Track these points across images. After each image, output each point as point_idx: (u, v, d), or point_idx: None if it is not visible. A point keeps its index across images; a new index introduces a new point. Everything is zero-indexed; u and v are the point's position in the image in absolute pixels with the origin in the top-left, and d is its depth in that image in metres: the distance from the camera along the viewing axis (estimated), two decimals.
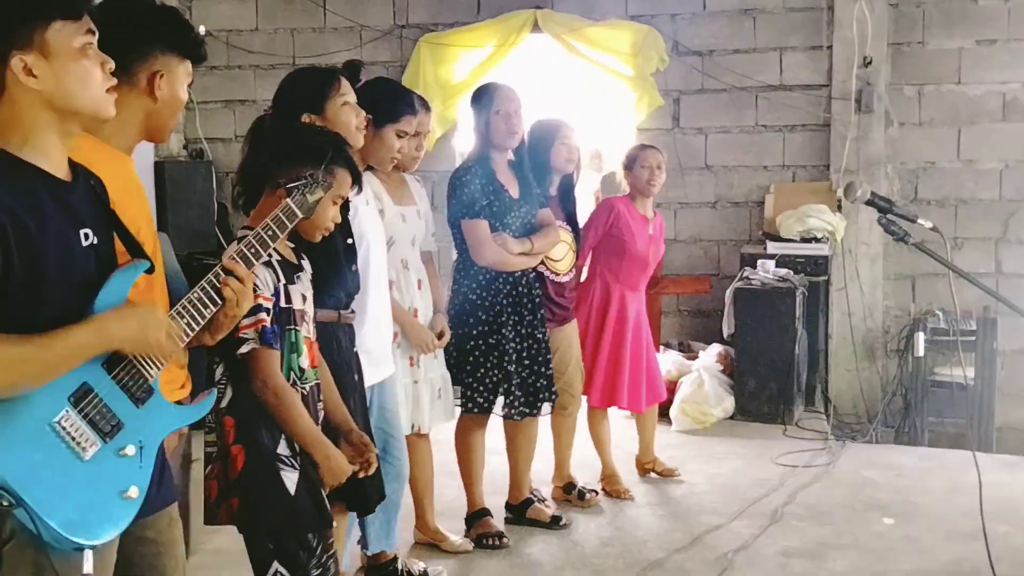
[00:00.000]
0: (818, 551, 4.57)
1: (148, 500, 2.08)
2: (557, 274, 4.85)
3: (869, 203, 3.30)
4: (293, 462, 2.73)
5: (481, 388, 4.43)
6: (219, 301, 2.17)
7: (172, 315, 2.10)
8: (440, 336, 4.17)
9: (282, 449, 2.72)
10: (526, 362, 4.50)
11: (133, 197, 2.44)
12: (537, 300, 4.57)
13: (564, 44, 7.53)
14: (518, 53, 7.63)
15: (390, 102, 3.73)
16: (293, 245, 2.85)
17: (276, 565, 2.73)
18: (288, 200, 2.37)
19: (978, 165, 7.31)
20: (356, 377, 3.32)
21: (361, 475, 2.91)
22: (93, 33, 1.99)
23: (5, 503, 1.83)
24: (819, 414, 6.97)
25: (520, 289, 4.48)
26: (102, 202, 2.12)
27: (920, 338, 6.71)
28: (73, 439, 1.91)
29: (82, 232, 2.00)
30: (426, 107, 4.12)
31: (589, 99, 7.77)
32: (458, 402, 4.49)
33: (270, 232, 2.32)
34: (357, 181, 2.93)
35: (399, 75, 7.60)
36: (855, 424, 7.14)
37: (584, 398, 5.21)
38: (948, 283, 6.93)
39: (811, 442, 6.27)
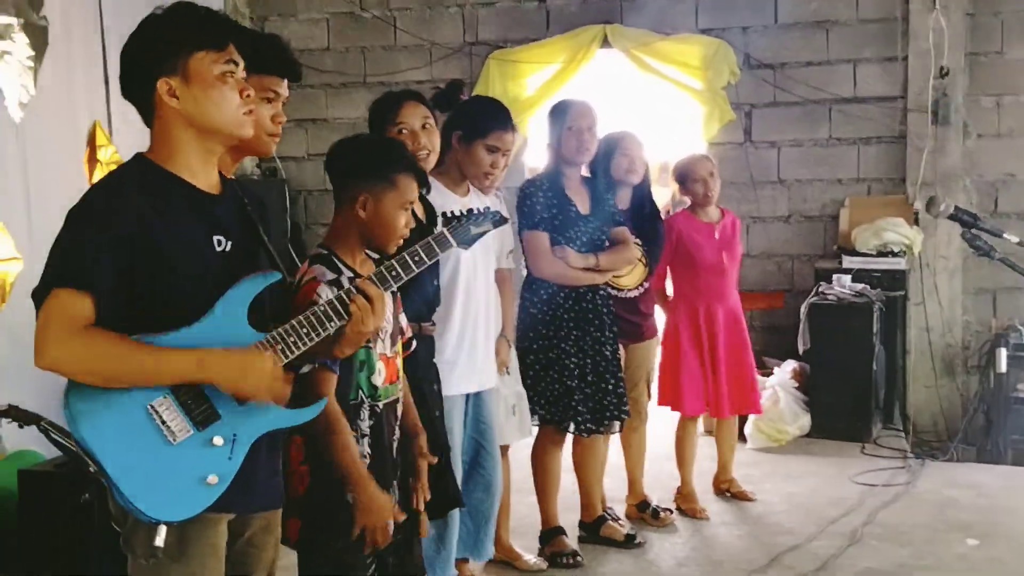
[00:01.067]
0: (899, 573, 4.48)
1: (252, 498, 2.21)
2: (620, 289, 4.82)
3: (952, 217, 3.24)
4: None
5: (543, 401, 4.41)
6: (344, 316, 2.29)
7: (269, 339, 2.18)
8: (497, 356, 4.13)
9: None
10: (589, 378, 4.46)
11: None
12: (606, 317, 4.53)
13: (634, 59, 7.50)
14: (588, 69, 7.62)
15: (477, 118, 3.78)
16: (376, 256, 2.85)
17: None
18: (444, 229, 2.45)
19: None
20: (436, 388, 3.34)
21: (417, 504, 2.88)
22: (236, 63, 2.24)
23: (91, 468, 2.04)
24: (898, 432, 6.84)
25: (584, 304, 4.45)
26: (248, 216, 2.31)
27: (1002, 354, 6.57)
28: (165, 423, 2.08)
29: (215, 238, 2.21)
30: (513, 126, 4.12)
31: (660, 114, 7.73)
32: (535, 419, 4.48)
33: (416, 258, 2.42)
34: (423, 184, 2.92)
35: (469, 92, 7.62)
36: (935, 442, 6.98)
37: (665, 411, 5.20)
38: None
39: (890, 460, 6.15)
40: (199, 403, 2.11)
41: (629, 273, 4.84)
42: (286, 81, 2.65)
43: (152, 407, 2.07)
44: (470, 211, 2.48)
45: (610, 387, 4.51)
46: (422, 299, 3.29)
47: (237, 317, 2.17)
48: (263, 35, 2.81)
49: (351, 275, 2.75)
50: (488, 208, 2.54)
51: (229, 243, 2.22)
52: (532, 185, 4.46)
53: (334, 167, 2.86)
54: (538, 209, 4.38)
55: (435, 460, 2.95)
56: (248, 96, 2.25)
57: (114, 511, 2.17)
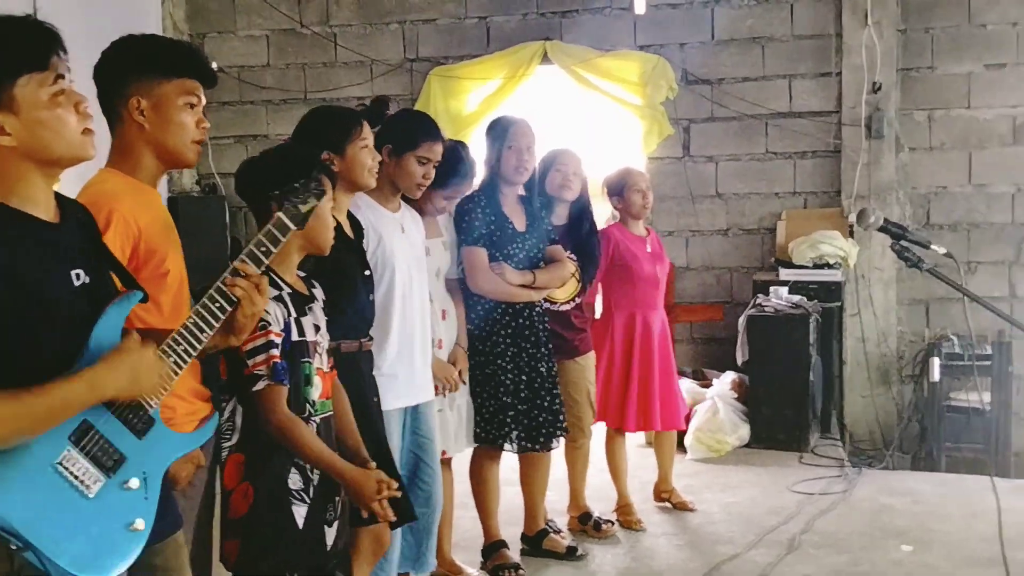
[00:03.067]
0: None
1: (156, 527, 2.08)
2: (555, 302, 4.82)
3: (882, 229, 3.30)
4: (304, 496, 2.72)
5: (479, 418, 4.40)
6: (220, 315, 2.16)
7: (163, 349, 2.08)
8: (455, 366, 4.18)
9: (293, 484, 2.71)
10: (524, 394, 4.43)
11: (162, 228, 2.49)
12: (542, 334, 4.54)
13: (574, 75, 7.58)
14: (528, 85, 7.68)
15: (409, 130, 3.78)
16: (303, 274, 2.86)
17: None
18: (279, 213, 2.29)
19: (990, 189, 7.31)
20: (376, 400, 3.35)
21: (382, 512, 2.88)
22: (63, 77, 1.98)
23: (13, 546, 1.84)
24: (835, 441, 6.94)
25: (521, 320, 4.45)
26: (92, 238, 2.13)
27: (935, 363, 6.70)
28: (76, 478, 1.93)
29: (73, 273, 2.01)
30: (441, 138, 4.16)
31: (599, 130, 7.79)
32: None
33: (263, 248, 2.26)
34: (334, 182, 2.89)
35: (411, 108, 7.64)
36: (871, 450, 7.11)
37: (600, 425, 5.22)
38: (962, 307, 6.91)
39: (827, 469, 6.24)
40: (102, 448, 1.97)
41: (561, 286, 4.86)
42: (202, 87, 2.57)
43: (59, 464, 1.91)
44: (292, 187, 2.36)
45: (545, 403, 4.49)
46: (358, 314, 3.30)
47: (112, 347, 2.02)
48: (177, 41, 2.69)
49: (290, 291, 2.75)
50: (301, 183, 2.45)
51: (87, 276, 2.04)
52: (470, 201, 4.46)
53: (257, 185, 2.79)
54: (476, 225, 4.39)
55: (391, 481, 2.93)
56: (85, 109, 2.02)
57: None
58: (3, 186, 1.96)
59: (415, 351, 3.73)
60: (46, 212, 2.01)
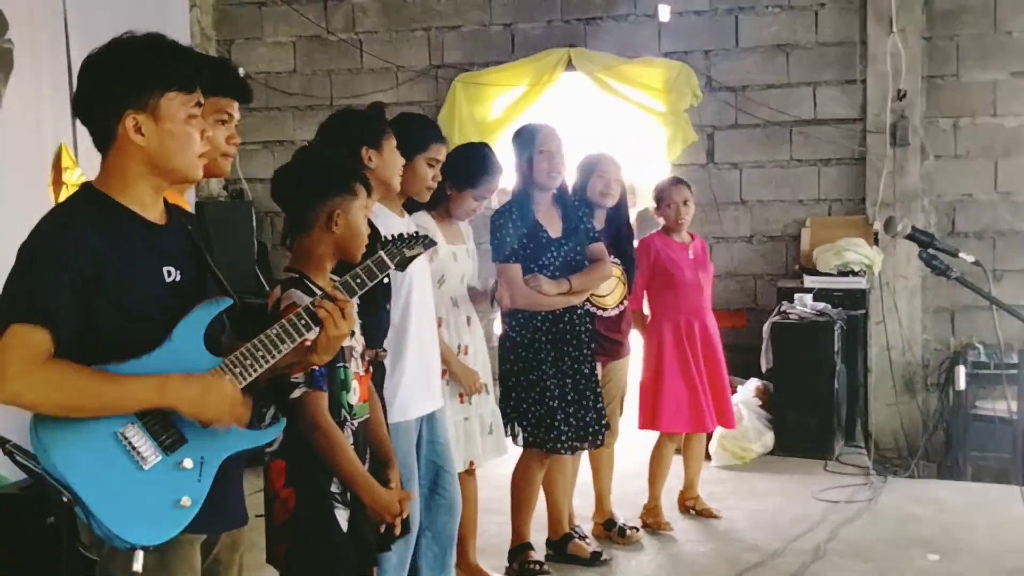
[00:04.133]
0: None
1: (217, 517, 2.21)
2: (604, 309, 4.89)
3: (910, 237, 3.30)
4: (345, 499, 2.76)
5: (527, 424, 4.45)
6: (302, 332, 2.29)
7: (235, 358, 2.19)
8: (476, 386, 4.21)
9: (334, 488, 2.76)
10: (570, 396, 4.49)
11: None
12: (584, 336, 4.58)
13: (598, 82, 7.58)
14: (553, 91, 7.69)
15: (417, 133, 3.80)
16: (338, 279, 2.88)
17: None
18: (382, 252, 2.48)
19: (1016, 197, 7.27)
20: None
21: (395, 530, 2.91)
22: (200, 105, 2.25)
23: (64, 499, 2.03)
24: (860, 449, 6.92)
25: (561, 326, 4.49)
26: (194, 243, 2.31)
27: (961, 371, 6.66)
28: (135, 449, 2.10)
29: (165, 269, 2.21)
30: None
31: (623, 136, 7.80)
32: (510, 438, 4.52)
33: (358, 280, 2.45)
34: (368, 188, 2.94)
35: (435, 115, 7.67)
36: (896, 459, 7.07)
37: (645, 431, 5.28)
38: (988, 316, 6.87)
39: (852, 477, 6.23)
40: (166, 428, 2.13)
41: (611, 293, 4.90)
42: (237, 103, 2.69)
43: (121, 434, 2.08)
44: (401, 235, 2.51)
45: (591, 403, 4.56)
46: (375, 325, 3.30)
47: (194, 344, 2.18)
48: (214, 59, 2.85)
49: (323, 296, 2.78)
50: (417, 232, 2.59)
51: (178, 273, 2.23)
52: (501, 216, 4.48)
53: (293, 192, 2.86)
54: (508, 241, 4.41)
55: (411, 497, 2.98)
56: (207, 138, 2.27)
57: (86, 538, 2.18)
58: (118, 184, 2.21)
59: (430, 359, 3.74)
60: (152, 214, 2.24)
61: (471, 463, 4.16)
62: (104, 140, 2.21)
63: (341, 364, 2.76)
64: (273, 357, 2.24)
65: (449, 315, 4.08)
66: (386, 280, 3.36)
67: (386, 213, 3.62)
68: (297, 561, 2.73)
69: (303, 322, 2.29)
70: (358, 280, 2.44)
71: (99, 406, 2.06)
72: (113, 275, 2.10)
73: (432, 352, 3.78)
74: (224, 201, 8.14)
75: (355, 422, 2.81)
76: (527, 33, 7.84)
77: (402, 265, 2.52)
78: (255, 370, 2.21)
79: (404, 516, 2.89)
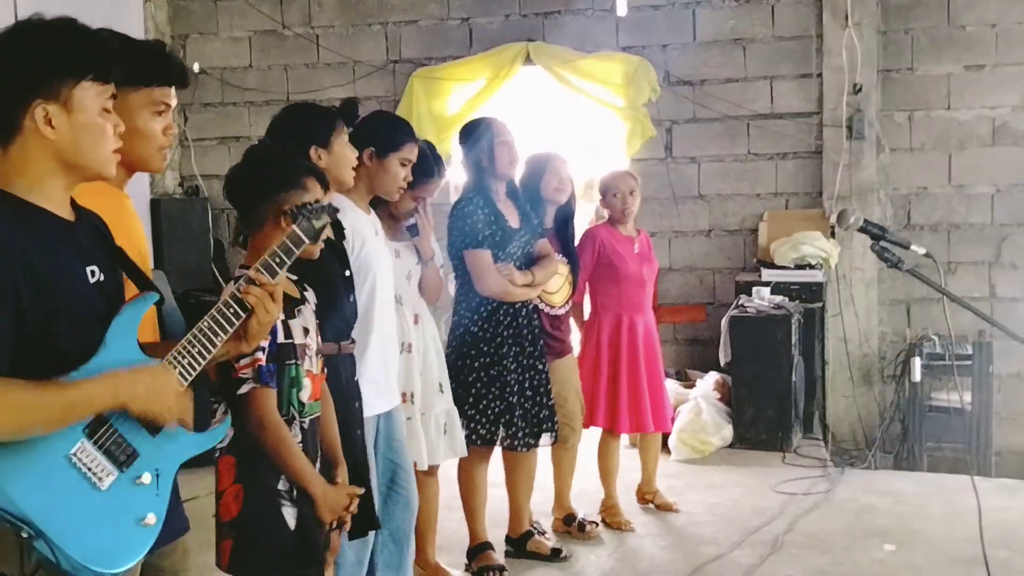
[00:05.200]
0: None
1: (164, 530, 2.09)
2: (552, 306, 4.86)
3: (862, 230, 3.32)
4: (292, 497, 2.73)
5: (483, 420, 4.43)
6: (234, 321, 2.20)
7: (173, 356, 2.10)
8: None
9: (282, 485, 2.73)
10: (528, 393, 4.50)
11: (130, 234, 2.46)
12: (537, 331, 4.59)
13: (556, 76, 7.58)
14: (511, 86, 7.68)
15: (391, 132, 3.77)
16: (295, 277, 2.85)
17: None
18: (294, 227, 2.35)
19: (970, 190, 7.35)
20: (358, 405, 3.34)
21: (345, 526, 2.89)
22: (114, 97, 2.07)
23: (25, 534, 1.86)
24: (817, 441, 6.97)
25: (520, 320, 4.49)
26: (106, 240, 2.17)
27: (916, 363, 6.73)
28: (89, 470, 1.95)
29: (88, 269, 2.06)
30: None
31: (582, 131, 7.81)
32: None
33: (277, 259, 2.31)
34: (326, 188, 2.91)
35: (392, 109, 7.63)
36: (853, 450, 7.14)
37: (590, 428, 5.24)
38: (943, 308, 6.92)
39: (810, 469, 6.27)
40: (117, 444, 2.00)
41: (559, 290, 4.88)
42: (174, 89, 2.50)
43: (73, 455, 1.93)
44: (305, 204, 2.41)
45: (544, 400, 4.56)
46: (339, 316, 3.28)
47: (129, 346, 2.07)
48: (144, 43, 2.58)
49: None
50: (318, 201, 2.50)
51: (101, 273, 2.09)
52: (469, 203, 4.45)
53: (243, 190, 2.82)
54: (480, 227, 4.39)
55: (360, 491, 2.95)
56: (120, 133, 2.10)
57: (15, 571, 1.97)
58: (25, 181, 2.01)
59: (390, 356, 3.72)
60: (63, 212, 2.07)
61: (414, 463, 4.11)
62: (6, 133, 2.00)
63: (292, 361, 2.73)
64: (210, 350, 2.15)
65: (394, 312, 4.04)
66: (348, 273, 3.34)
67: (353, 209, 3.60)
68: (243, 559, 2.69)
69: (231, 310, 2.20)
70: (277, 259, 2.31)
71: (56, 418, 1.90)
72: (41, 279, 1.94)
73: (392, 349, 3.76)
74: (179, 198, 8.06)
75: (305, 420, 2.79)
76: (485, 27, 7.82)
77: (315, 237, 2.40)
78: (197, 364, 2.13)
79: (352, 512, 2.87)
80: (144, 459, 2.04)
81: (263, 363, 2.64)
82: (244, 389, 2.62)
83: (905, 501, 5.69)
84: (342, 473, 2.93)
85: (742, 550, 4.91)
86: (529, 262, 4.56)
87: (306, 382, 2.78)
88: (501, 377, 4.42)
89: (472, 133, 4.57)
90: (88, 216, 2.15)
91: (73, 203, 2.11)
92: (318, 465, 2.84)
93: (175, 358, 2.10)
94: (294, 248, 2.34)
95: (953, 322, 6.47)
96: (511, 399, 4.42)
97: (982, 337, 6.80)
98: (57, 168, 2.03)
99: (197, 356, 2.13)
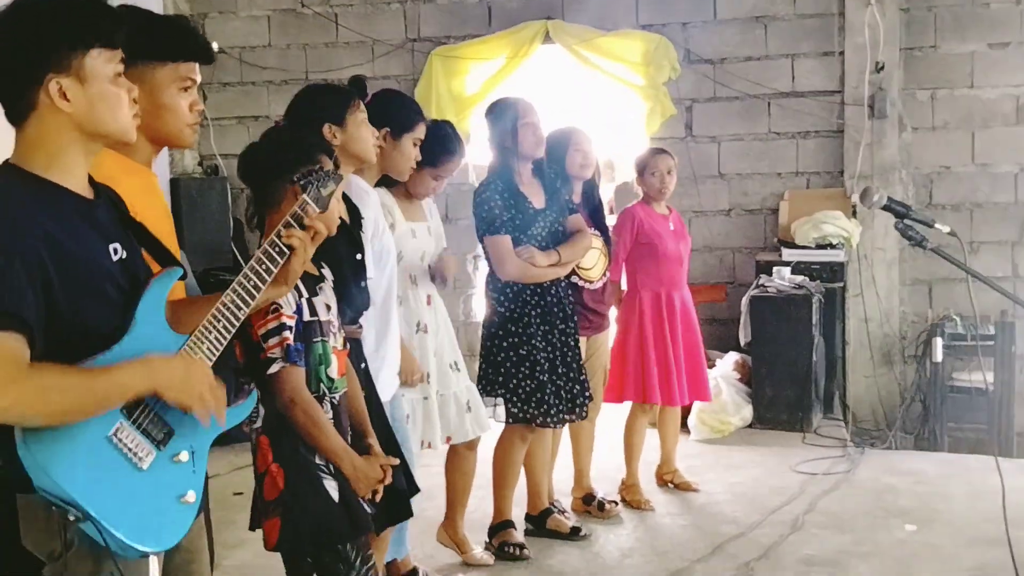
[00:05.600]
0: (839, 559, 4.55)
1: None
2: (590, 282, 4.90)
3: (886, 208, 3.29)
4: (331, 471, 2.76)
5: (515, 399, 4.44)
6: (255, 293, 2.21)
7: (198, 334, 2.11)
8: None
9: (319, 460, 2.75)
10: (560, 370, 4.50)
11: (157, 212, 2.46)
12: (569, 309, 4.59)
13: (576, 55, 7.54)
14: (530, 64, 7.65)
15: (404, 112, 3.78)
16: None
17: None
18: (304, 196, 2.35)
19: (993, 169, 7.29)
20: (371, 390, 3.35)
21: (378, 494, 2.89)
22: (124, 62, 2.06)
23: (72, 517, 1.88)
24: (838, 421, 6.94)
25: (549, 299, 4.49)
26: (125, 216, 2.17)
27: (938, 343, 6.70)
28: (130, 450, 1.98)
29: (111, 247, 2.06)
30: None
31: (601, 110, 7.77)
32: (491, 412, 4.49)
33: (310, 203, 2.34)
34: (336, 166, 2.89)
35: (411, 89, 7.62)
36: (874, 431, 7.11)
37: (622, 403, 5.30)
38: (965, 288, 6.85)
39: (830, 449, 6.25)
40: (154, 423, 2.02)
41: (595, 265, 4.89)
42: (198, 65, 2.51)
43: (113, 436, 1.95)
44: (310, 171, 2.40)
45: (576, 376, 4.57)
46: (345, 300, 3.23)
47: (159, 324, 2.08)
48: (168, 19, 2.60)
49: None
50: (321, 167, 2.50)
51: (124, 250, 2.09)
52: (488, 188, 4.45)
53: (257, 171, 2.84)
54: (497, 212, 4.39)
55: (395, 461, 2.95)
56: (134, 99, 2.09)
57: (34, 539, 1.95)
58: (44, 157, 2.00)
59: (399, 341, 3.75)
60: (82, 189, 2.06)
61: (428, 443, 4.12)
62: (21, 112, 2.00)
63: (320, 339, 2.75)
64: (234, 324, 2.15)
65: (408, 293, 4.04)
66: (360, 256, 3.33)
67: (365, 188, 3.60)
68: (291, 535, 2.71)
69: (251, 282, 2.20)
70: (276, 249, 2.29)
71: (93, 403, 1.91)
72: (67, 258, 1.94)
73: (396, 338, 3.77)
74: (198, 177, 8.06)
75: (336, 396, 2.81)
76: (504, 6, 7.78)
77: (324, 205, 2.40)
78: (223, 339, 2.13)
79: (388, 482, 2.87)
80: (180, 438, 2.06)
81: (291, 342, 2.65)
82: (273, 369, 2.64)
83: (926, 481, 5.67)
84: (374, 441, 2.94)
85: (762, 529, 4.91)
86: (558, 240, 4.55)
87: (333, 358, 2.80)
88: (531, 356, 4.42)
89: (495, 113, 4.55)
90: (106, 192, 2.15)
91: (91, 180, 2.10)
92: (348, 439, 2.85)
93: (201, 334, 2.11)
94: (303, 216, 2.33)
95: (976, 302, 6.42)
96: (542, 377, 4.42)
97: (1004, 317, 6.74)
98: (77, 140, 2.02)
99: (222, 331, 2.13)
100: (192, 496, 2.07)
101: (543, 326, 4.46)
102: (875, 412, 7.30)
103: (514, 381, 4.43)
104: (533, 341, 4.42)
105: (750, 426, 6.68)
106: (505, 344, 4.43)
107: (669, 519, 5.14)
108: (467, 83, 7.77)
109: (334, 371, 2.80)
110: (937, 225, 3.30)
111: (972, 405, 6.71)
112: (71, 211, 2.01)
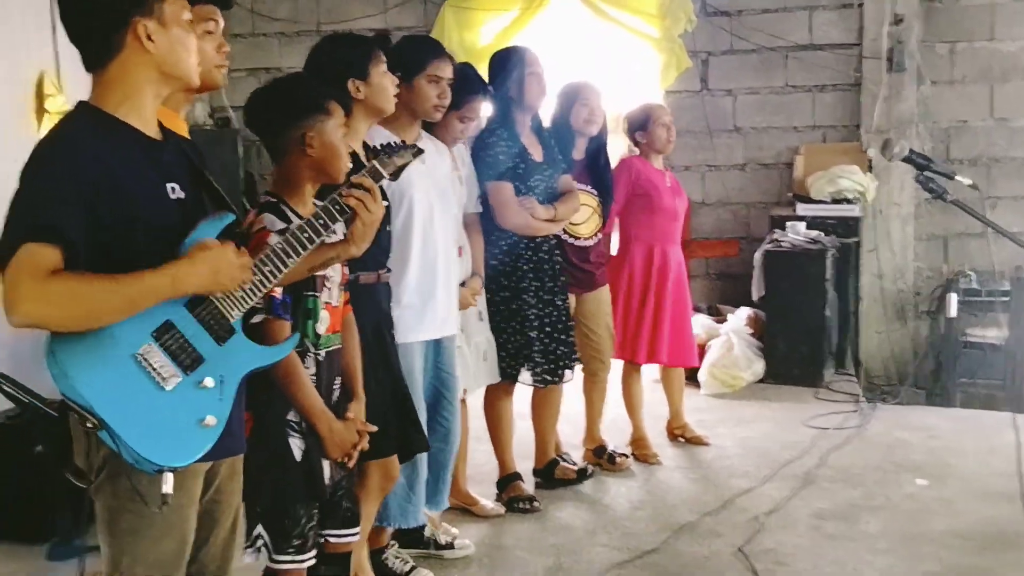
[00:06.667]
0: (850, 513, 4.55)
1: (221, 443, 2.18)
2: (578, 238, 4.81)
3: (907, 160, 3.25)
4: (302, 428, 2.73)
5: (503, 355, 4.42)
6: (330, 224, 2.40)
7: (265, 255, 2.27)
8: (475, 296, 4.18)
9: (292, 416, 2.73)
10: (547, 329, 4.48)
11: None
12: (558, 267, 4.56)
13: (590, 6, 7.46)
14: (544, 16, 7.56)
15: (414, 54, 3.72)
16: (321, 204, 2.83)
17: (259, 528, 2.75)
18: (374, 161, 2.47)
19: (1012, 123, 7.21)
20: (391, 335, 3.35)
21: (349, 463, 2.85)
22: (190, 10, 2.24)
23: (89, 424, 2.01)
24: (850, 376, 6.93)
25: (541, 255, 4.46)
26: (191, 161, 2.29)
27: (953, 299, 6.67)
28: (154, 370, 2.08)
29: (169, 186, 2.18)
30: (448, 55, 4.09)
31: (616, 63, 7.70)
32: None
33: (381, 167, 2.51)
34: (345, 106, 2.88)
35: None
36: (886, 386, 7.10)
37: (617, 361, 5.22)
38: (980, 243, 6.85)
39: (842, 404, 6.24)
40: (183, 347, 2.11)
41: (586, 221, 4.83)
42: (219, 10, 2.67)
43: (139, 355, 2.05)
44: (389, 144, 2.47)
45: (563, 337, 4.53)
46: (375, 244, 3.26)
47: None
48: None
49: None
50: (403, 141, 2.53)
51: (181, 190, 2.20)
52: (492, 135, 4.41)
53: (265, 118, 2.80)
54: (501, 159, 4.35)
55: (373, 429, 2.91)
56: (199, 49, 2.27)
57: (82, 464, 2.14)
58: (118, 95, 2.15)
59: (437, 284, 3.69)
60: (150, 130, 2.20)
61: (464, 391, 4.13)
62: (103, 55, 2.14)
63: (310, 293, 2.71)
64: (281, 270, 2.29)
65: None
66: (385, 203, 3.31)
67: (391, 138, 3.55)
68: (246, 486, 2.66)
69: (329, 215, 2.38)
70: (383, 164, 2.50)
71: (115, 308, 2.02)
72: (118, 185, 2.06)
73: (441, 276, 3.72)
74: (210, 129, 8.03)
75: (321, 352, 2.76)
76: None
77: (396, 174, 2.52)
78: (265, 284, 2.26)
79: (362, 448, 2.83)
80: (209, 364, 2.15)
81: (276, 295, 2.60)
82: (256, 319, 2.59)
83: (939, 437, 5.65)
84: (356, 408, 2.89)
85: (773, 483, 4.90)
86: (551, 198, 4.50)
87: (324, 314, 2.76)
88: (521, 312, 4.40)
89: (502, 62, 4.50)
90: (176, 139, 2.29)
91: (161, 126, 2.24)
92: (336, 396, 2.83)
93: (261, 263, 2.25)
94: (372, 180, 2.51)
95: (991, 257, 6.40)
96: (530, 334, 4.40)
97: (1019, 272, 6.70)
98: (153, 81, 2.17)
99: (268, 275, 2.26)
100: (212, 420, 2.13)
101: (535, 282, 4.44)
102: (887, 368, 7.28)
103: (504, 335, 4.41)
104: (524, 296, 4.40)
105: (762, 381, 6.67)
106: (497, 299, 4.40)
107: (679, 473, 5.14)
108: (480, 35, 7.70)
109: (323, 327, 2.75)
110: (958, 177, 3.27)
111: (986, 361, 6.69)
112: (132, 146, 2.13)
